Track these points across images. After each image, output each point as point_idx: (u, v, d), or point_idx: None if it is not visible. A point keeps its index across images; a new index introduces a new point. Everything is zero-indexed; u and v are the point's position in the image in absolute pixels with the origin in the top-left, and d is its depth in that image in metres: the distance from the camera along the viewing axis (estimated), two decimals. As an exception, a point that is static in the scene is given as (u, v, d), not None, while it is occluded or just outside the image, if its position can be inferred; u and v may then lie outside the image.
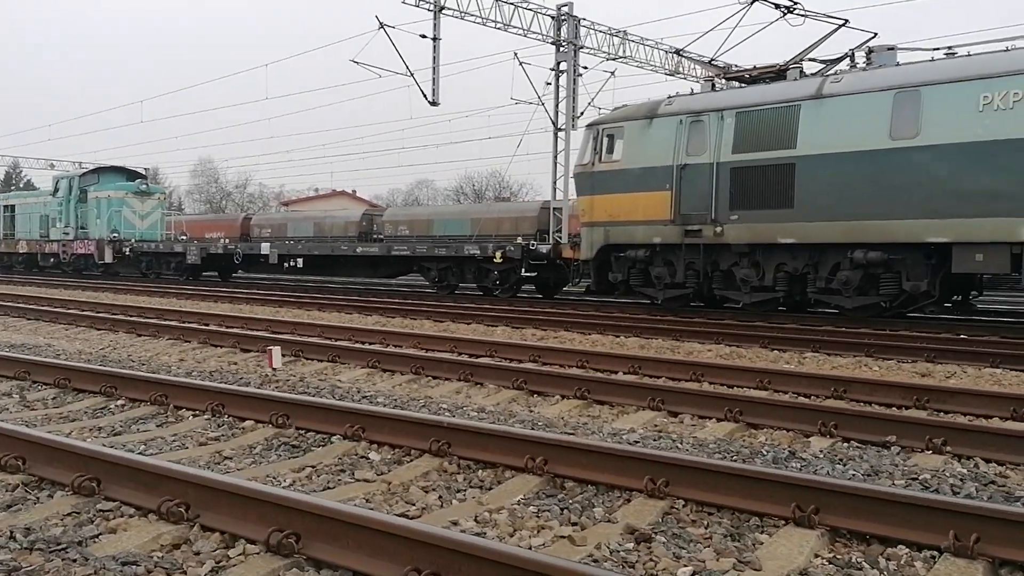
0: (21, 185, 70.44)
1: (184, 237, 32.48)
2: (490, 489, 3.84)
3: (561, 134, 27.40)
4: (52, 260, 31.43)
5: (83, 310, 13.53)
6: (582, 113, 27.86)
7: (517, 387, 6.38)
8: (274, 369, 6.75)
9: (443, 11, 23.34)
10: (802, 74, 14.27)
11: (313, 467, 4.19)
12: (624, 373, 7.28)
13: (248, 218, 52.88)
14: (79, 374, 6.35)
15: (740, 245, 13.94)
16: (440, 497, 3.72)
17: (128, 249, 28.18)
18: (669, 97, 15.54)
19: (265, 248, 23.62)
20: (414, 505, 3.61)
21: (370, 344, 9.46)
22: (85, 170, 31.99)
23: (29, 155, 61.62)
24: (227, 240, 27.02)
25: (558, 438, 4.08)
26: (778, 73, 14.51)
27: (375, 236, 45.68)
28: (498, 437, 4.19)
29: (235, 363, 8.20)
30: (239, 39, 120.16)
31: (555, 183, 28.12)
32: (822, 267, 13.36)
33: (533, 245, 17.90)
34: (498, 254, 17.99)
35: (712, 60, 16.17)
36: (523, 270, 17.77)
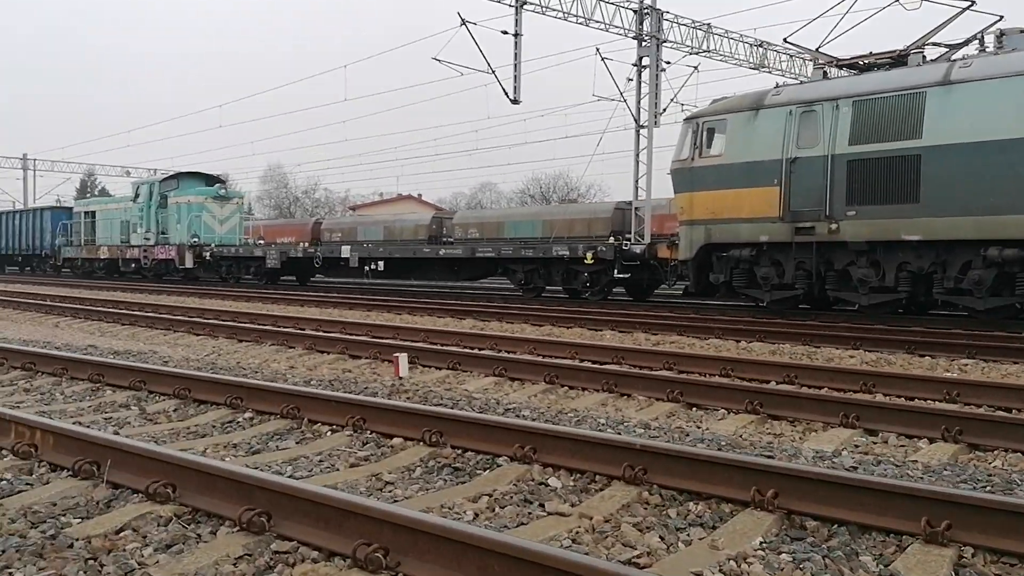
0: (96, 192, 72.32)
1: (262, 242, 32.66)
2: (714, 528, 3.22)
3: (643, 131, 26.69)
4: (133, 265, 31.79)
5: (175, 314, 13.32)
6: (664, 109, 27.09)
7: (672, 399, 5.75)
8: (400, 378, 6.25)
9: (525, 6, 22.79)
10: (924, 60, 13.33)
11: (489, 495, 3.62)
12: (787, 382, 6.59)
13: (319, 222, 53.39)
14: (200, 384, 5.93)
15: (858, 243, 13.05)
16: (662, 538, 3.11)
17: (208, 254, 28.31)
18: (776, 87, 14.72)
19: (346, 251, 23.38)
20: (634, 548, 3.01)
21: (480, 349, 8.93)
22: (165, 175, 32.28)
23: (104, 162, 63.05)
24: (305, 244, 26.92)
25: (791, 467, 3.44)
26: (897, 59, 13.58)
27: (445, 239, 45.60)
28: (704, 462, 3.57)
29: (349, 370, 7.73)
30: (318, 41, 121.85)
31: (636, 182, 27.42)
32: (950, 266, 12.40)
33: (627, 245, 17.22)
34: (589, 255, 17.35)
35: (818, 49, 15.28)
36: (616, 271, 17.08)
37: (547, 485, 3.78)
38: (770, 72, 29.78)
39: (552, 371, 6.59)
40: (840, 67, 14.31)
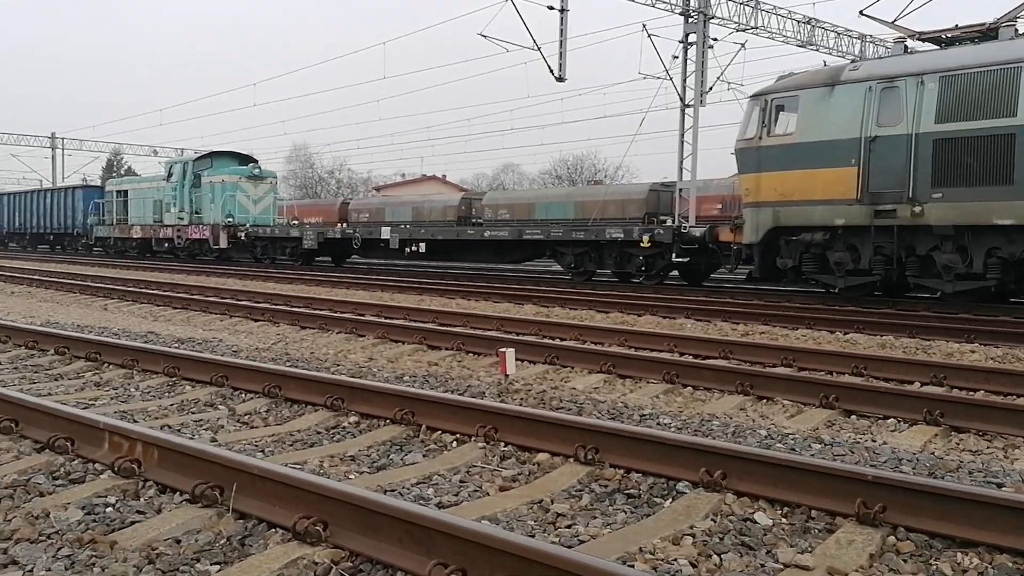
0: (122, 172, 72.17)
1: (295, 222, 32.20)
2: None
3: (688, 111, 25.88)
4: (166, 245, 31.43)
5: (230, 298, 12.80)
6: (711, 88, 26.30)
7: (827, 405, 5.12)
8: (507, 376, 5.66)
9: (573, -21, 22.00)
10: (1016, 33, 12.50)
11: (691, 535, 3.03)
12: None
13: (346, 203, 53.00)
14: (292, 382, 5.36)
15: (944, 227, 12.30)
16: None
17: (243, 234, 27.86)
18: (853, 62, 13.95)
19: (386, 232, 22.81)
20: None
21: (561, 340, 8.33)
22: (198, 154, 31.81)
23: (131, 141, 62.80)
24: (343, 225, 26.40)
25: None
26: (986, 32, 12.75)
27: (475, 220, 45.05)
28: (964, 500, 2.94)
29: (435, 364, 7.16)
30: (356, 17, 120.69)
31: (681, 162, 26.67)
32: (1046, 252, 11.66)
33: (685, 228, 16.50)
34: (646, 238, 16.66)
35: (895, 22, 14.45)
36: (674, 255, 16.39)
37: (754, 522, 3.17)
38: (817, 50, 28.84)
39: (671, 368, 5.96)
40: (923, 41, 13.48)
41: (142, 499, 3.36)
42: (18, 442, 4.18)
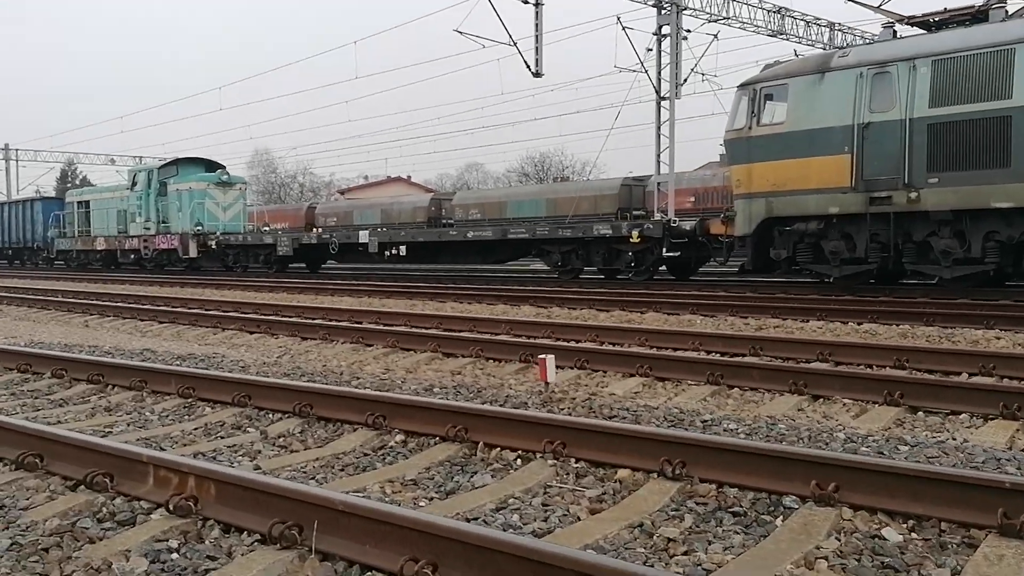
0: (77, 183, 70.53)
1: (267, 228, 31.59)
2: None
3: (664, 103, 25.76)
4: (132, 256, 30.65)
5: (207, 309, 12.36)
6: (685, 80, 26.21)
7: (892, 402, 4.90)
8: (547, 383, 5.39)
9: (547, -26, 21.75)
10: (1007, 15, 12.49)
11: (822, 557, 2.77)
12: None
13: (312, 207, 52.29)
14: (323, 400, 5.02)
15: (941, 212, 12.27)
16: None
17: (214, 242, 27.23)
18: (842, 48, 13.84)
19: (364, 236, 22.38)
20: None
21: (578, 341, 8.08)
22: (163, 162, 31.04)
23: (88, 151, 61.27)
24: (319, 230, 25.90)
25: None
26: (975, 15, 12.72)
27: (445, 221, 44.71)
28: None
29: (458, 372, 6.85)
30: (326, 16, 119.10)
31: (659, 156, 26.55)
32: (1045, 234, 11.66)
33: (675, 222, 16.34)
34: (635, 233, 16.48)
35: (880, 6, 14.41)
36: (664, 250, 16.22)
37: (883, 539, 2.91)
38: (787, 39, 28.93)
39: (714, 369, 5.72)
40: (911, 25, 13.44)
41: (207, 541, 3.02)
42: (46, 479, 3.80)
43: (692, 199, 32.40)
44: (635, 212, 35.64)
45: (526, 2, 22.25)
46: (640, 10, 25.05)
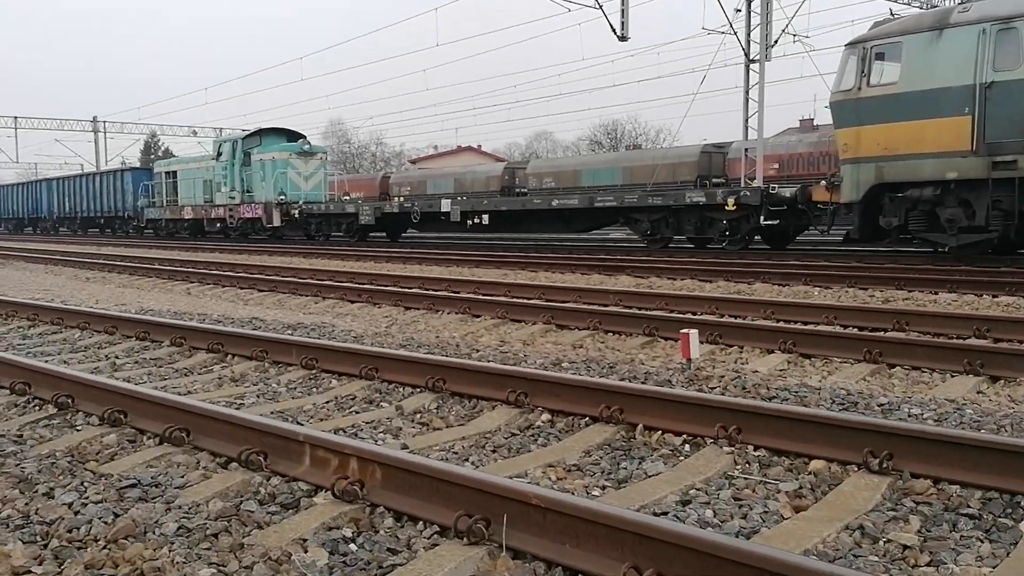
0: (159, 154, 72.25)
1: (347, 197, 31.76)
2: None
3: (753, 66, 24.84)
4: (218, 225, 31.17)
5: (301, 278, 12.33)
6: (776, 41, 25.21)
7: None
8: (689, 360, 5.06)
9: (635, -68, 21.01)
10: None
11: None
12: None
13: (387, 177, 52.58)
14: (456, 374, 4.79)
15: (1074, 177, 11.44)
16: None
17: (297, 211, 27.46)
18: (962, 3, 12.96)
19: (446, 205, 22.22)
20: None
21: (700, 314, 7.71)
22: (247, 132, 31.36)
23: (171, 123, 62.63)
24: (400, 199, 25.85)
25: None
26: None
27: (518, 190, 44.39)
28: None
29: (579, 345, 6.57)
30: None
31: (747, 121, 25.66)
32: None
33: (774, 188, 15.71)
34: (731, 200, 15.88)
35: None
36: (762, 218, 15.61)
37: None
38: (882, -2, 27.57)
39: (871, 346, 5.30)
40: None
41: (381, 532, 2.81)
42: (194, 455, 3.66)
43: (776, 166, 31.42)
44: (715, 179, 34.82)
45: (613, -38, 21.59)
46: (729, -32, 24.16)
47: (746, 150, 25.82)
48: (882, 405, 4.19)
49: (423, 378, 4.87)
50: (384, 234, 27.19)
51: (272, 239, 28.38)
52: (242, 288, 11.47)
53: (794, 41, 25.48)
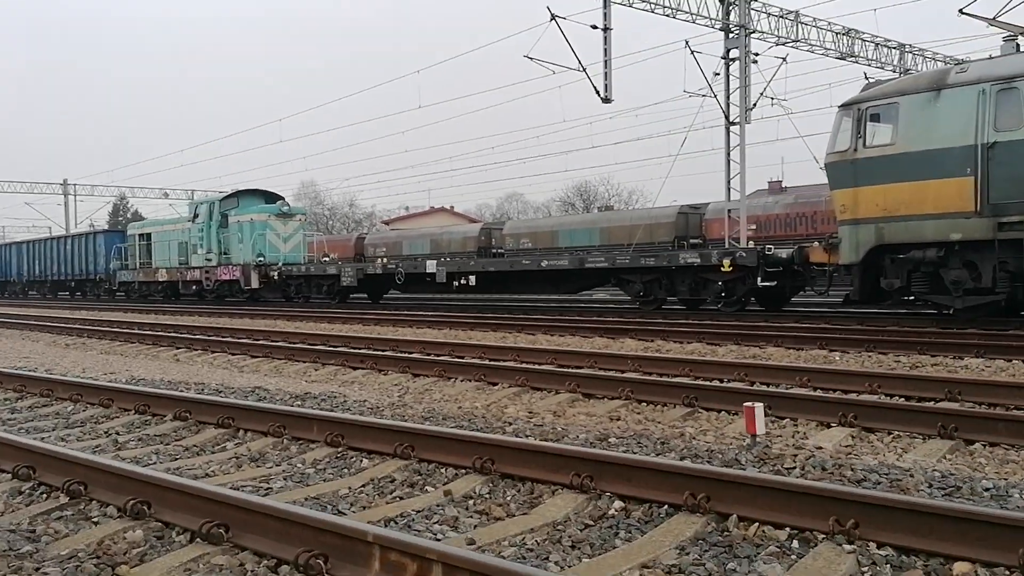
0: (129, 216, 71.49)
1: (326, 258, 31.33)
2: None
3: (734, 128, 25.06)
4: (194, 288, 30.54)
5: (291, 342, 11.83)
6: (755, 104, 25.48)
7: None
8: (754, 436, 4.69)
9: (612, -1, 21.22)
10: None
11: None
12: None
13: (362, 238, 52.25)
14: (506, 453, 4.37)
15: (1082, 237, 11.37)
16: None
17: (276, 273, 26.96)
18: (959, 64, 13.05)
19: (431, 266, 21.86)
20: None
21: (723, 380, 7.37)
22: (224, 194, 30.97)
23: (142, 185, 62.06)
24: (384, 260, 25.45)
25: None
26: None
27: (495, 251, 44.27)
28: None
29: (615, 418, 6.17)
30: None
31: (729, 182, 25.81)
32: None
33: (770, 250, 15.55)
34: (727, 262, 15.70)
35: (995, 18, 13.63)
36: (759, 279, 15.41)
37: None
38: (856, 62, 28.15)
39: (945, 419, 4.94)
40: (1034, 38, 12.64)
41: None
42: (235, 556, 3.20)
43: (754, 226, 31.56)
44: (692, 240, 34.92)
45: (595, 27, 21.77)
46: (707, 35, 24.50)
47: (729, 211, 25.88)
48: (989, 490, 3.83)
49: (469, 458, 4.44)
50: (365, 295, 26.73)
51: (250, 301, 27.80)
52: (234, 354, 10.94)
53: (772, 104, 25.80)
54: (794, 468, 4.31)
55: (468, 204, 75.19)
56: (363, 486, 4.38)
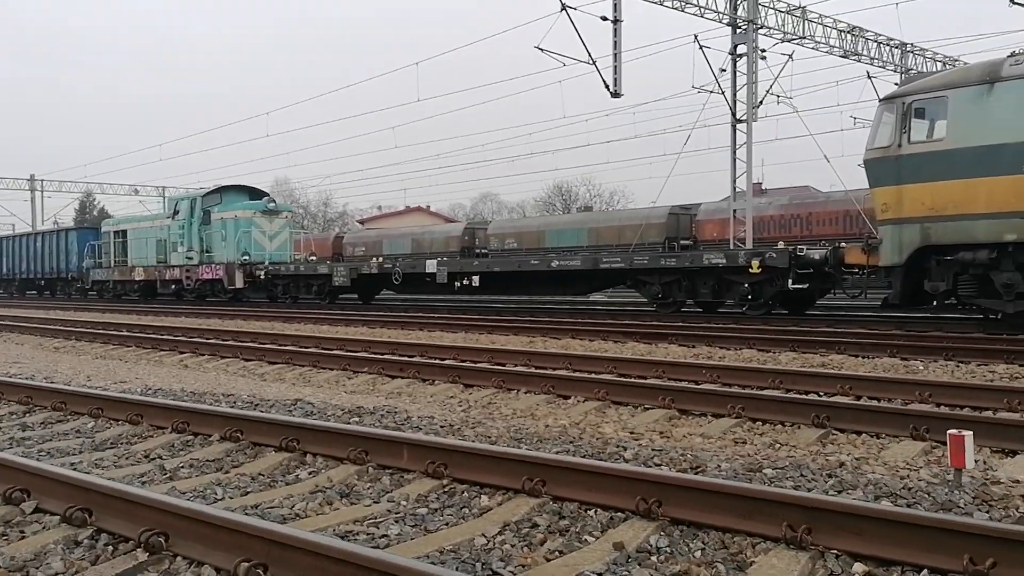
0: (96, 214, 69.51)
1: (314, 257, 30.27)
2: None
3: (740, 126, 24.43)
4: (173, 287, 29.25)
5: (303, 346, 10.88)
6: (761, 101, 24.89)
7: None
8: (959, 471, 3.89)
9: (621, -10, 20.46)
10: None
11: None
12: None
13: (340, 237, 51.02)
14: (674, 493, 3.52)
15: None
16: None
17: (262, 272, 25.83)
18: (1013, 55, 12.40)
19: (431, 266, 20.92)
20: None
21: (820, 394, 6.59)
22: (206, 190, 29.71)
23: (111, 181, 60.30)
24: (379, 260, 24.43)
25: None
26: None
27: (478, 251, 43.34)
28: None
29: (739, 440, 5.34)
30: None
31: (735, 181, 25.17)
32: None
33: (802, 250, 14.84)
34: (755, 263, 14.96)
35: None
36: (790, 281, 14.69)
37: None
38: (859, 59, 27.75)
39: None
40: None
41: None
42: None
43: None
44: (683, 241, 34.28)
45: (604, 19, 20.99)
46: (714, 30, 23.86)
47: (735, 211, 25.23)
48: None
49: (631, 499, 3.57)
50: (355, 296, 25.71)
51: (233, 302, 26.63)
52: (247, 360, 9.96)
53: (778, 102, 25.21)
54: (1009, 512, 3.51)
55: (442, 204, 74.26)
56: (498, 534, 3.50)
